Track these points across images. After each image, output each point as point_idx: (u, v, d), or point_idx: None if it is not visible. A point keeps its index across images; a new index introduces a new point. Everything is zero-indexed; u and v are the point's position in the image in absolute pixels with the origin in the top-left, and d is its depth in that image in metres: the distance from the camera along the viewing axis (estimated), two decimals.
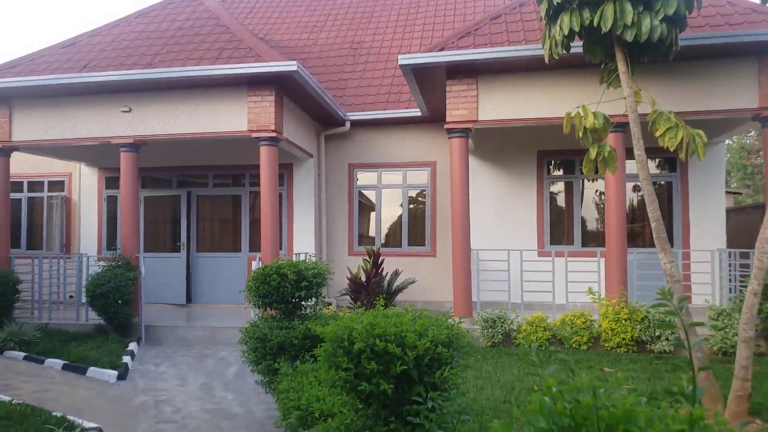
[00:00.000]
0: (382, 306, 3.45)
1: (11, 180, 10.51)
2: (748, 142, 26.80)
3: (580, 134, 5.68)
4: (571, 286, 8.51)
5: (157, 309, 10.81)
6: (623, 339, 7.49)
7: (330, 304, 10.64)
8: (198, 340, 9.03)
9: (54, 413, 5.27)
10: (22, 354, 7.84)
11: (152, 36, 10.01)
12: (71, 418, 5.19)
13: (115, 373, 7.09)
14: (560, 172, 11.08)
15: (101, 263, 9.72)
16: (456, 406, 2.79)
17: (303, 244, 11.36)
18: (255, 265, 8.51)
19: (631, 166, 7.93)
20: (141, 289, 9.16)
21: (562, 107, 7.83)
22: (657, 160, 10.68)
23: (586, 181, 10.85)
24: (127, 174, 9.45)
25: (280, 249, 10.58)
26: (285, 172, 11.46)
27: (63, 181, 12.71)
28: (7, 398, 5.69)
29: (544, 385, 1.32)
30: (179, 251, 11.77)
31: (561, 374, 1.49)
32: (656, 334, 7.41)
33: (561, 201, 11.11)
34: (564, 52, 6.56)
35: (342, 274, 10.24)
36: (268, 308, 5.79)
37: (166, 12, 10.82)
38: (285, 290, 5.51)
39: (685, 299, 1.66)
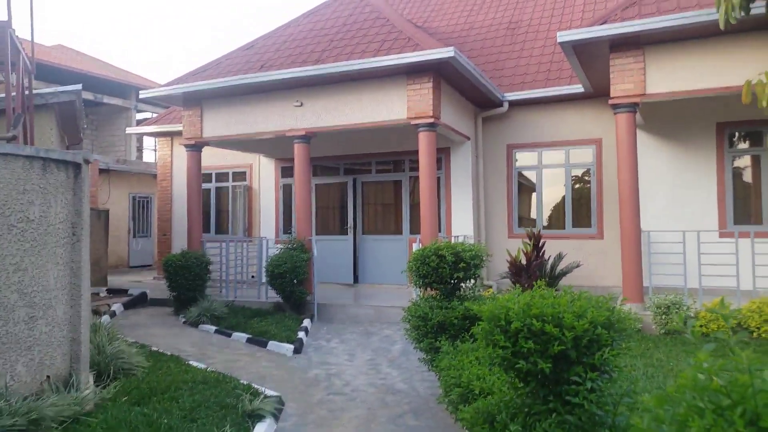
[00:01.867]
0: (540, 288, 3.49)
1: (202, 172, 11.93)
2: None
3: (764, 103, 5.09)
4: (760, 271, 7.66)
5: (328, 288, 11.69)
6: None
7: (490, 287, 10.70)
8: (364, 317, 9.64)
9: (241, 381, 5.97)
10: (213, 327, 8.96)
11: (320, 33, 10.77)
12: (256, 386, 5.83)
13: (291, 347, 7.80)
14: (745, 145, 9.94)
15: (278, 246, 10.76)
16: (617, 389, 2.77)
17: (461, 227, 11.52)
18: (415, 246, 8.86)
19: None
20: (313, 269, 9.99)
21: (742, 75, 7.02)
22: None
23: None
24: (300, 163, 10.32)
25: (439, 231, 10.84)
26: (443, 155, 11.67)
27: (245, 172, 14.18)
28: (203, 366, 6.59)
29: (695, 360, 1.34)
30: (347, 234, 12.59)
31: (724, 359, 1.47)
32: None
33: (747, 177, 9.97)
34: (743, 14, 5.87)
35: (502, 257, 10.22)
36: (428, 288, 6.06)
37: (331, 10, 11.55)
38: (444, 271, 5.72)
39: None
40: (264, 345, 8.06)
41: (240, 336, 8.47)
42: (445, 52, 8.64)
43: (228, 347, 8.05)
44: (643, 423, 1.42)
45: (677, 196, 9.99)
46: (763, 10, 5.98)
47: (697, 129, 9.91)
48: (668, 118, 9.98)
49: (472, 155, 11.63)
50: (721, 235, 9.01)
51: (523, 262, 9.22)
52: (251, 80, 10.01)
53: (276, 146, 12.10)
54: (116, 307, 10.55)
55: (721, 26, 6.12)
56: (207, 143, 11.43)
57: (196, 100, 11.13)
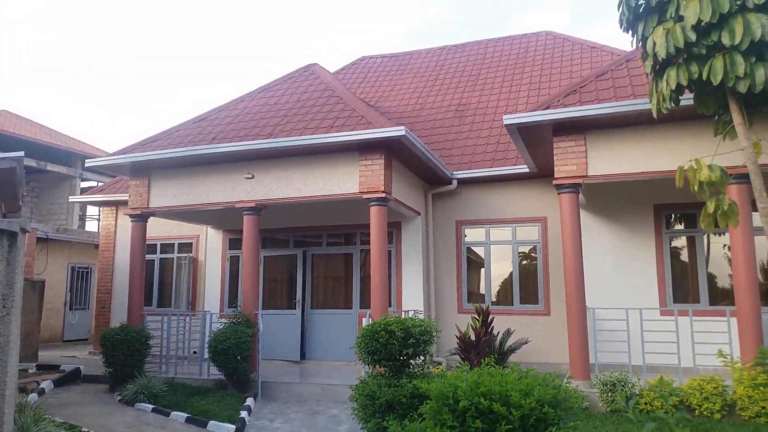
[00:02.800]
0: (488, 366, 3.47)
1: (146, 243, 11.59)
2: None
3: (695, 188, 5.42)
4: (699, 348, 7.86)
5: (273, 365, 11.29)
6: (763, 408, 6.76)
7: (440, 363, 10.58)
8: (311, 396, 9.30)
9: None
10: (151, 406, 8.47)
11: (273, 108, 10.96)
12: None
13: (233, 427, 7.45)
14: (681, 226, 10.46)
15: (223, 320, 10.41)
16: None
17: (412, 301, 11.48)
18: (365, 321, 8.74)
19: (757, 218, 7.35)
20: (258, 345, 9.66)
21: (676, 160, 7.47)
22: None
23: (712, 235, 10.14)
24: (249, 235, 10.20)
25: (390, 306, 10.78)
26: (394, 230, 11.78)
27: (191, 243, 13.89)
28: None
29: None
30: (295, 308, 12.33)
31: None
32: None
33: (684, 256, 10.43)
34: (673, 105, 6.37)
35: (452, 332, 10.19)
36: (377, 365, 5.94)
37: (286, 86, 11.84)
38: (393, 347, 5.64)
39: None
40: (204, 425, 7.67)
41: (179, 415, 8.04)
42: (396, 131, 8.91)
43: (165, 427, 7.60)
44: None
45: (620, 274, 10.30)
46: (691, 102, 6.48)
47: (637, 210, 10.40)
48: (610, 198, 10.46)
49: (423, 230, 11.79)
50: (662, 313, 9.27)
51: (473, 338, 9.22)
52: (203, 151, 10.00)
53: (225, 218, 11.96)
54: (46, 384, 9.84)
55: (654, 115, 6.61)
56: (153, 213, 11.20)
57: (145, 170, 10.99)
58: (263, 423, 7.92)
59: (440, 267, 11.95)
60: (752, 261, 7.53)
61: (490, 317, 9.48)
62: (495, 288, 11.85)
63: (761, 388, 6.77)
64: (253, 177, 10.17)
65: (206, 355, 9.83)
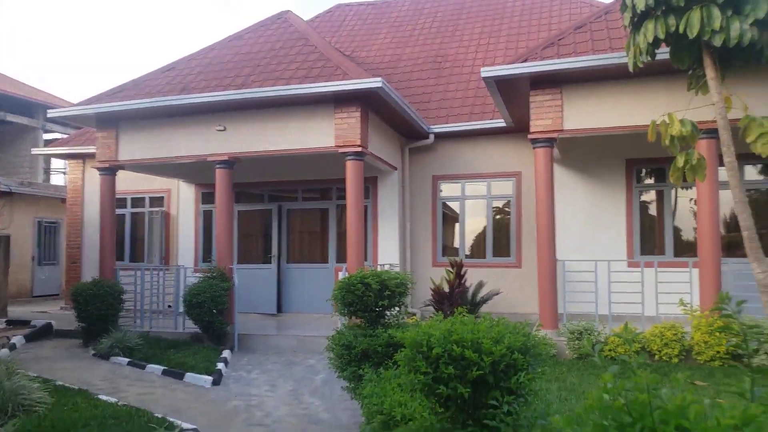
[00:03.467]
0: (461, 315, 3.55)
1: (116, 197, 11.41)
2: None
3: (667, 142, 5.52)
4: (663, 298, 8.16)
5: (250, 318, 11.38)
6: (717, 352, 7.10)
7: (414, 314, 10.78)
8: (287, 347, 9.44)
9: (155, 414, 5.69)
10: (126, 360, 8.48)
11: (245, 57, 10.67)
12: (171, 419, 5.57)
13: (210, 378, 7.51)
14: (651, 181, 10.67)
15: (197, 275, 10.39)
16: (532, 412, 2.84)
17: (388, 255, 11.59)
18: (341, 275, 8.82)
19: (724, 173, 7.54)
20: (234, 299, 9.71)
21: (649, 115, 7.55)
22: (758, 166, 10.03)
23: (679, 189, 10.37)
24: (222, 190, 10.09)
25: (365, 260, 10.86)
26: (370, 185, 11.77)
27: (163, 197, 13.69)
28: (114, 400, 6.22)
29: (601, 382, 1.40)
30: (270, 263, 12.36)
31: (627, 380, 1.54)
32: (754, 347, 6.98)
33: (653, 210, 10.68)
34: (649, 59, 6.39)
35: (426, 285, 10.35)
36: (353, 317, 6.02)
37: (258, 34, 11.50)
38: (369, 299, 5.71)
39: (743, 303, 1.66)
40: (181, 377, 7.73)
41: (155, 368, 8.08)
42: (373, 82, 8.79)
43: (142, 380, 7.64)
44: None
45: (591, 228, 10.52)
46: (667, 56, 6.51)
47: (609, 164, 10.55)
48: (583, 153, 10.57)
49: (399, 185, 11.80)
50: (629, 265, 9.55)
51: (446, 290, 9.39)
52: (172, 102, 9.75)
53: (197, 171, 11.78)
54: (17, 339, 9.79)
55: (630, 69, 6.63)
56: (122, 167, 10.96)
57: (112, 122, 10.69)
58: (240, 374, 8.03)
59: (416, 221, 12.04)
60: (716, 214, 7.75)
61: (464, 270, 9.63)
62: (469, 242, 12.01)
63: (717, 333, 7.08)
64: (225, 129, 9.98)
65: (181, 309, 9.85)
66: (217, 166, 10.08)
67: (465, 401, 2.84)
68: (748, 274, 8.64)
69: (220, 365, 8.15)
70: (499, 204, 11.79)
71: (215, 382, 7.50)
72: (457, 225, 12.11)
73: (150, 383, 7.48)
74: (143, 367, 8.18)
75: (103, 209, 10.87)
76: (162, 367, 8.03)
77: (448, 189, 12.03)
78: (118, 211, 12.78)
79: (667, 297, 7.98)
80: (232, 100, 9.52)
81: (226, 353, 8.90)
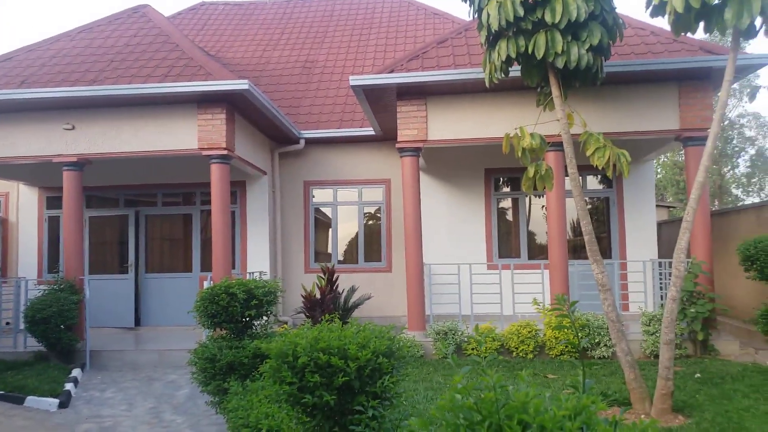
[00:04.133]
0: (329, 321, 3.54)
1: None
2: (680, 159, 28.23)
3: (519, 154, 5.95)
4: (519, 298, 8.77)
5: (104, 333, 10.53)
6: (566, 347, 7.78)
7: (286, 322, 10.61)
8: (146, 363, 8.85)
9: None
10: None
11: (97, 52, 9.86)
12: None
13: (56, 401, 6.88)
14: (507, 189, 11.44)
15: (42, 287, 9.40)
16: (397, 414, 2.90)
17: (257, 263, 11.30)
18: (207, 285, 8.44)
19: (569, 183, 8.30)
20: (86, 312, 8.92)
21: (504, 127, 8.13)
22: (598, 177, 11.16)
23: (532, 197, 11.24)
24: (71, 193, 9.23)
25: (233, 268, 10.51)
26: (238, 189, 11.41)
27: None
28: None
29: (452, 383, 1.46)
30: (127, 272, 11.52)
31: (492, 377, 1.62)
32: (596, 341, 7.76)
33: (509, 216, 11.47)
34: (503, 76, 6.88)
35: (298, 291, 10.23)
36: (218, 328, 5.79)
37: (112, 28, 10.68)
38: (234, 309, 5.53)
39: (575, 303, 1.83)
40: (21, 402, 7.00)
41: None
42: (238, 84, 8.54)
43: None
44: None
45: (454, 233, 11.05)
46: (518, 73, 7.04)
47: (470, 173, 11.16)
48: (447, 162, 11.08)
49: (269, 190, 11.57)
50: (489, 267, 10.16)
51: (318, 296, 9.36)
52: (9, 96, 8.77)
53: (40, 173, 10.68)
54: None
55: (487, 84, 7.07)
56: None
57: None
58: (92, 394, 7.40)
59: (288, 227, 11.87)
60: (563, 220, 8.49)
61: (336, 275, 9.66)
62: (342, 247, 12.08)
63: (556, 330, 7.74)
64: (73, 128, 9.16)
65: (22, 326, 8.86)
66: (65, 168, 9.21)
67: (331, 409, 2.83)
68: (591, 274, 9.59)
69: (69, 386, 7.46)
70: (371, 210, 12.00)
71: (62, 405, 6.87)
72: (330, 230, 12.13)
73: None
74: None
75: None
76: None
77: (320, 195, 12.02)
78: None
79: (523, 297, 8.59)
80: (83, 97, 8.76)
81: (75, 372, 8.15)
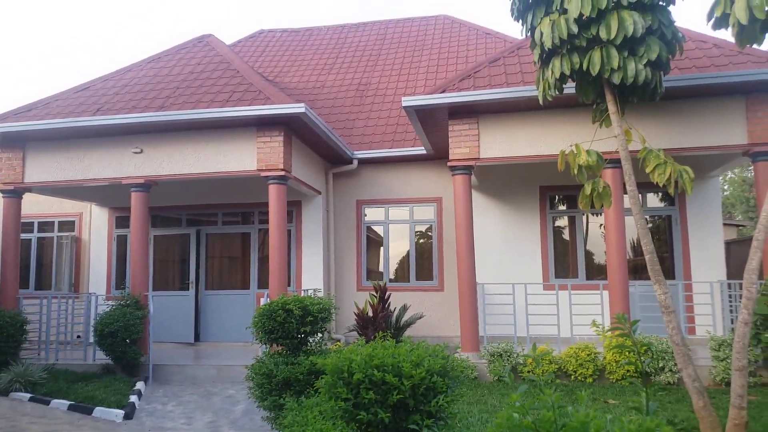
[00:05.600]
0: (382, 339, 3.57)
1: (21, 221, 10.71)
2: (749, 175, 26.88)
3: (575, 171, 5.85)
4: (576, 319, 8.55)
5: (166, 348, 10.90)
6: (627, 371, 7.50)
7: (339, 340, 10.71)
8: (205, 378, 9.10)
9: None
10: (28, 395, 7.90)
11: (164, 80, 10.40)
12: None
13: (121, 412, 7.14)
14: (563, 207, 11.23)
15: (110, 302, 9.86)
16: None
17: (311, 281, 11.48)
18: (263, 301, 8.64)
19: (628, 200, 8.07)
20: (149, 327, 9.28)
21: (559, 144, 8.03)
22: (660, 194, 10.82)
23: (590, 215, 10.99)
24: (138, 213, 9.69)
25: (288, 285, 10.71)
26: (294, 209, 11.67)
27: (73, 221, 12.97)
28: None
29: (509, 401, 1.46)
30: (188, 289, 11.92)
31: (552, 399, 1.61)
32: (660, 365, 7.44)
33: (566, 235, 11.23)
34: (557, 93, 6.81)
35: (350, 309, 10.32)
36: (274, 344, 5.91)
37: (178, 57, 11.25)
38: (290, 326, 5.64)
39: (636, 322, 1.79)
40: (89, 412, 7.29)
41: (60, 403, 7.56)
42: (296, 108, 8.79)
43: (45, 416, 7.12)
44: None
45: (509, 252, 10.91)
46: (573, 90, 6.96)
47: (524, 191, 11.03)
48: (500, 180, 11.00)
49: (323, 209, 11.78)
50: (545, 288, 9.96)
51: (370, 314, 9.40)
52: (86, 123, 9.32)
53: (111, 194, 11.27)
54: None
55: (540, 102, 7.02)
56: (29, 189, 10.31)
57: (18, 142, 10.07)
58: (155, 407, 7.66)
59: (340, 246, 12.04)
60: (622, 239, 8.25)
61: (388, 294, 9.69)
62: (393, 266, 12.13)
63: (615, 350, 7.45)
64: (141, 152, 9.64)
65: (92, 339, 9.29)
66: (133, 189, 9.69)
67: (386, 426, 2.85)
68: (653, 296, 9.27)
69: (133, 398, 7.74)
70: (422, 228, 12.02)
71: (127, 416, 7.13)
72: (381, 249, 12.21)
73: (54, 419, 6.99)
74: (47, 403, 7.64)
75: (6, 234, 10.13)
76: (68, 402, 7.54)
77: (372, 213, 12.14)
78: (24, 236, 12.01)
79: (581, 318, 8.36)
80: (150, 122, 9.22)
81: (139, 385, 8.46)
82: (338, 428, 3.83)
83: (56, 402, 7.61)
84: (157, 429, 6.65)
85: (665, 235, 10.83)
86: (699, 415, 5.07)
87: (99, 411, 7.25)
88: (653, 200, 10.92)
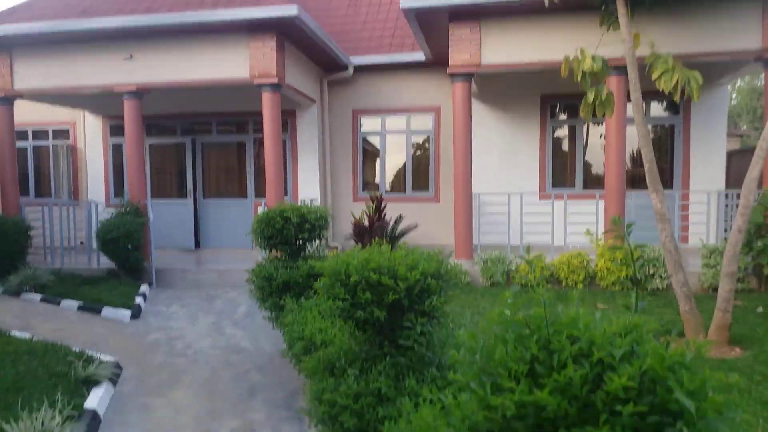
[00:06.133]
0: (378, 245, 3.62)
1: (15, 129, 10.57)
2: (759, 84, 26.27)
3: (579, 78, 5.71)
4: (571, 228, 8.67)
5: (167, 254, 11.11)
6: (618, 277, 7.72)
7: (335, 248, 10.91)
8: (207, 282, 9.34)
9: (73, 348, 5.57)
10: (39, 296, 8.14)
11: None
12: (90, 352, 5.50)
13: (128, 312, 7.41)
14: (564, 116, 11.08)
15: (110, 210, 9.94)
16: (444, 332, 3.00)
17: (308, 191, 11.52)
18: (261, 210, 8.71)
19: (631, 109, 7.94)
20: (150, 234, 9.41)
21: (563, 50, 7.76)
22: (664, 103, 10.64)
23: (590, 125, 10.86)
24: (131, 122, 9.54)
25: (285, 195, 10.76)
26: (288, 118, 11.50)
27: (68, 130, 12.80)
28: (28, 336, 6.00)
29: (502, 298, 1.50)
30: (186, 197, 11.98)
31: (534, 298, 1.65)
32: (650, 272, 7.65)
33: (565, 146, 11.16)
34: None
35: (347, 219, 10.44)
36: (273, 250, 6.02)
37: None
38: (289, 232, 5.71)
39: (632, 225, 1.81)
40: (98, 312, 7.56)
41: (70, 303, 7.82)
42: (288, 10, 8.43)
43: (57, 316, 7.38)
44: (460, 355, 1.56)
45: (506, 162, 10.89)
46: None
47: (525, 100, 10.83)
48: (500, 88, 10.77)
49: (319, 119, 11.61)
50: (541, 197, 10.03)
51: (366, 224, 9.51)
52: (72, 27, 8.96)
53: (104, 102, 11.04)
54: None
55: (546, 3, 6.72)
56: (20, 96, 10.09)
57: (4, 47, 9.72)
58: (160, 308, 7.92)
59: (336, 156, 11.97)
60: (622, 148, 8.21)
61: (384, 204, 9.74)
62: (389, 177, 12.13)
63: (607, 252, 7.63)
64: (132, 58, 9.34)
65: (95, 246, 9.45)
66: (125, 97, 9.48)
67: (381, 324, 2.95)
68: (648, 205, 9.35)
69: (139, 300, 8.01)
70: (419, 139, 11.91)
71: (134, 316, 7.40)
72: (377, 160, 12.16)
73: (65, 319, 7.25)
74: (58, 303, 7.90)
75: (1, 141, 10.03)
76: (78, 303, 7.79)
77: (368, 123, 11.98)
78: (19, 144, 11.88)
79: (575, 227, 8.48)
80: (138, 27, 8.86)
81: (144, 288, 8.72)
82: (336, 327, 3.99)
83: (66, 302, 7.85)
84: (163, 328, 6.91)
85: (666, 145, 10.76)
86: (684, 317, 5.27)
87: (107, 311, 7.50)
88: (657, 109, 10.77)
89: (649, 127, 10.67)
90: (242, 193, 12.05)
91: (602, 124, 10.57)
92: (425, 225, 11.04)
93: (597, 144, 10.99)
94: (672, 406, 1.21)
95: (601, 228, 8.53)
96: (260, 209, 8.85)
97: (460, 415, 1.52)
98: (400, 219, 10.28)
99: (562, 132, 11.13)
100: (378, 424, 2.62)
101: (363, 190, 11.95)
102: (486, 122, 10.93)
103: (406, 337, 2.88)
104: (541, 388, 1.30)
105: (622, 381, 1.20)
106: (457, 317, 5.47)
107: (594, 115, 5.85)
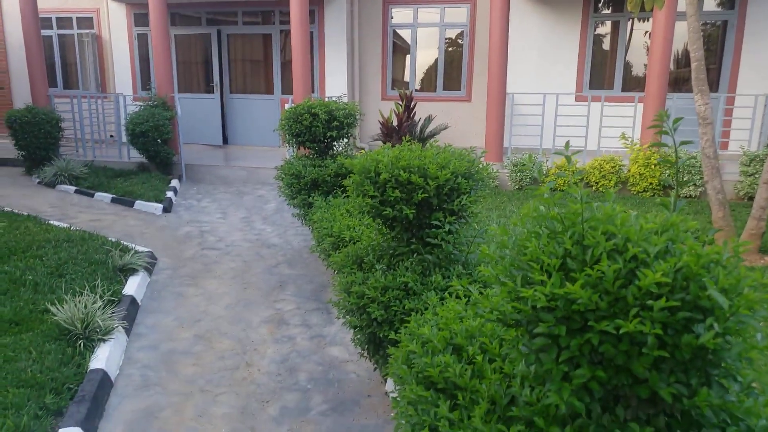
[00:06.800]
0: (408, 143, 3.56)
1: (39, 16, 10.35)
2: None
3: None
4: (606, 131, 8.41)
5: (195, 149, 11.19)
6: (650, 183, 7.57)
7: (363, 148, 10.80)
8: (236, 178, 9.45)
9: (109, 238, 5.78)
10: (73, 188, 8.35)
11: None
12: (125, 243, 5.70)
13: (160, 206, 7.58)
14: (608, 11, 10.40)
15: (138, 103, 9.91)
16: (472, 231, 3.00)
17: (335, 87, 11.27)
18: (287, 107, 8.59)
19: (682, 3, 7.39)
20: (178, 128, 9.43)
21: None
22: None
23: (636, 21, 10.20)
24: (156, 10, 9.27)
25: (312, 92, 10.56)
26: (316, 8, 11.03)
27: (91, 18, 12.52)
28: (66, 225, 6.22)
29: (536, 193, 1.46)
30: (213, 92, 11.85)
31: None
32: (684, 179, 7.46)
33: (606, 44, 10.57)
34: None
35: (375, 118, 10.25)
36: (301, 147, 5.99)
37: None
38: (317, 129, 5.65)
39: (680, 120, 1.70)
40: (131, 204, 7.75)
41: (103, 196, 8.02)
42: None
43: (91, 207, 7.61)
44: (490, 250, 1.55)
45: (543, 60, 10.40)
46: None
47: None
48: None
49: (348, 9, 11.10)
50: (577, 99, 9.66)
51: (395, 123, 9.35)
52: None
53: None
54: None
55: None
56: None
57: None
58: (191, 202, 8.09)
59: (365, 51, 11.57)
60: (668, 46, 7.74)
61: (413, 103, 9.52)
62: (419, 75, 11.75)
63: (653, 166, 7.46)
64: None
65: (124, 139, 9.54)
66: None
67: (410, 222, 2.95)
68: (690, 111, 8.95)
69: (170, 194, 8.17)
70: (452, 34, 11.37)
71: (166, 210, 7.57)
72: (408, 56, 11.73)
73: (100, 210, 7.47)
74: (92, 195, 8.11)
75: (27, 29, 9.85)
76: (111, 195, 7.98)
77: (399, 15, 11.43)
78: (44, 32, 11.71)
79: (610, 131, 8.22)
80: None
81: (174, 182, 8.88)
82: (363, 224, 4.02)
83: (100, 195, 8.06)
84: (194, 222, 7.09)
85: (715, 45, 10.10)
86: (717, 224, 5.19)
87: (139, 204, 7.69)
88: (709, 3, 10.01)
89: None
90: (269, 90, 11.86)
91: (648, 20, 9.91)
92: (455, 126, 10.82)
93: (640, 43, 10.38)
94: (703, 303, 1.20)
95: (638, 133, 8.26)
96: (287, 106, 8.73)
97: (488, 306, 1.54)
98: (429, 119, 10.07)
99: (604, 29, 10.49)
100: (404, 316, 2.69)
101: (392, 88, 11.65)
102: (524, 17, 10.34)
103: (434, 235, 2.89)
104: (572, 282, 1.29)
105: (656, 277, 1.18)
106: (484, 219, 5.49)
107: (642, 9, 5.46)
